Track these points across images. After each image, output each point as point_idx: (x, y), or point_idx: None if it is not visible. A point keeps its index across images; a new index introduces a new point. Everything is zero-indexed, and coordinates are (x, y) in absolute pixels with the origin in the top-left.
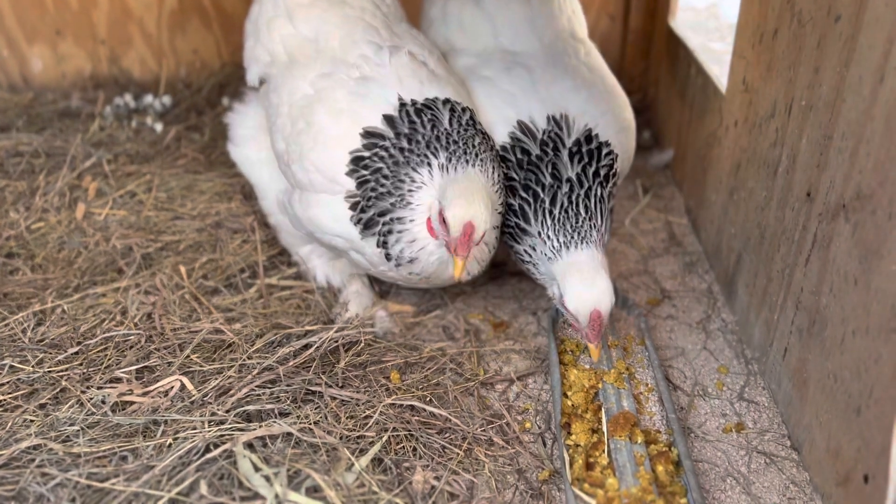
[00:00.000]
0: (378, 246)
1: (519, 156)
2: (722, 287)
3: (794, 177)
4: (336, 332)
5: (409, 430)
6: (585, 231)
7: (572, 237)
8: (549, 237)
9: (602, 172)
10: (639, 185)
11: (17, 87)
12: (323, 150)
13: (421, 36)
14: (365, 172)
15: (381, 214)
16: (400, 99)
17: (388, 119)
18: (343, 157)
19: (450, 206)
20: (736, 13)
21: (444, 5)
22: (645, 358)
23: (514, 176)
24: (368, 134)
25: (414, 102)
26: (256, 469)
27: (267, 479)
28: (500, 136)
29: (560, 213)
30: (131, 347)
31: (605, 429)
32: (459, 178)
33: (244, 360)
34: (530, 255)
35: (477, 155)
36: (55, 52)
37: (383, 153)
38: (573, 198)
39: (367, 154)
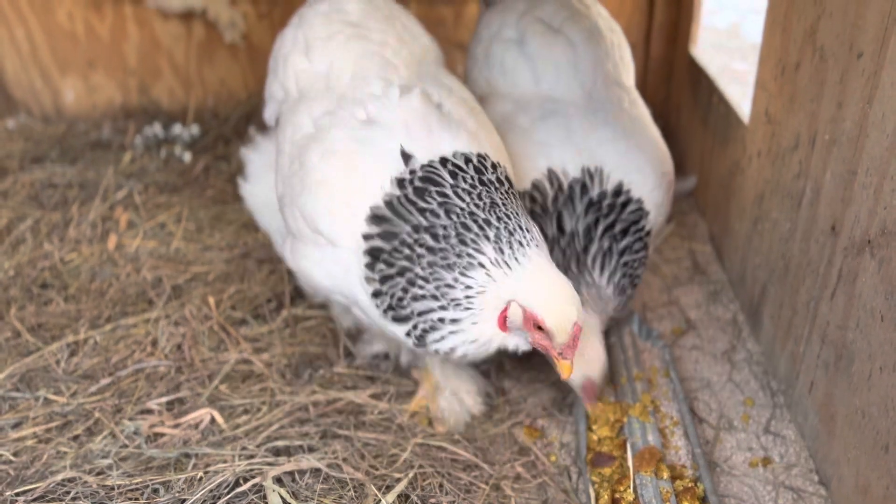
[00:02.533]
0: (408, 336)
1: (530, 203)
2: (747, 317)
3: (819, 210)
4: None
5: (436, 468)
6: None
7: None
8: None
9: (618, 227)
10: (660, 229)
11: (51, 117)
12: (309, 195)
13: (450, 79)
14: (388, 270)
15: (424, 313)
16: (402, 152)
17: (394, 206)
18: (333, 208)
19: (545, 311)
20: (759, 33)
21: (489, 46)
22: (670, 390)
23: None
24: (378, 219)
25: (413, 174)
26: (285, 503)
27: None
28: (526, 184)
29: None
30: (161, 378)
31: (630, 464)
32: (529, 272)
33: (275, 395)
34: None
35: (521, 226)
36: (87, 84)
37: (407, 251)
38: (568, 253)
39: (385, 247)
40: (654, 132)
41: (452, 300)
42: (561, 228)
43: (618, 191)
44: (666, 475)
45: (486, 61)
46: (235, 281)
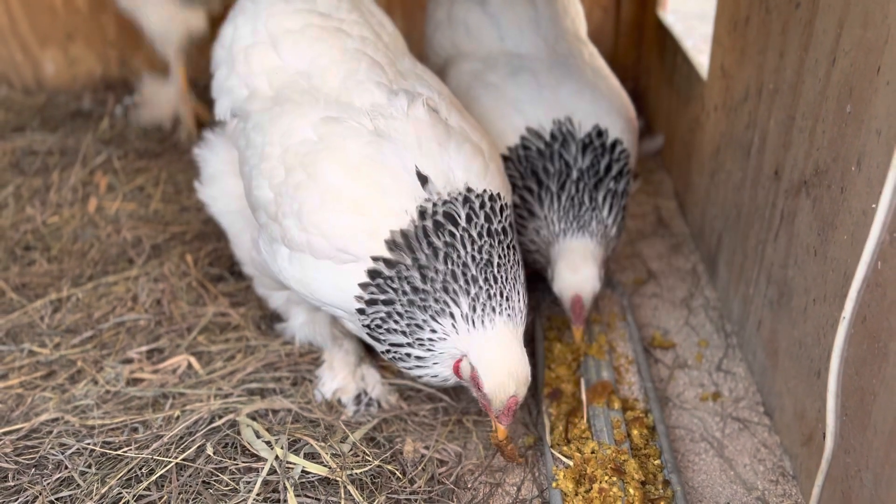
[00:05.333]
0: (383, 353)
1: (522, 153)
2: (705, 266)
3: (764, 157)
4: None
5: (402, 416)
6: (585, 221)
7: (571, 225)
8: (552, 221)
9: (615, 169)
10: (635, 166)
11: (31, 89)
12: (333, 214)
13: (427, 73)
14: (377, 295)
15: (395, 346)
16: (418, 174)
17: (410, 236)
18: (359, 228)
19: (486, 378)
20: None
21: (450, 9)
22: (627, 333)
23: (518, 172)
24: (394, 244)
25: (436, 207)
26: (258, 436)
27: (268, 444)
28: (509, 142)
29: (567, 200)
30: (141, 331)
31: (583, 396)
32: (489, 338)
33: (250, 342)
34: (535, 243)
35: (502, 293)
36: (66, 56)
37: (397, 283)
38: (580, 187)
39: (385, 272)
40: (615, 81)
41: (418, 339)
42: (567, 163)
43: (599, 132)
44: (617, 406)
45: (449, 23)
46: (212, 240)
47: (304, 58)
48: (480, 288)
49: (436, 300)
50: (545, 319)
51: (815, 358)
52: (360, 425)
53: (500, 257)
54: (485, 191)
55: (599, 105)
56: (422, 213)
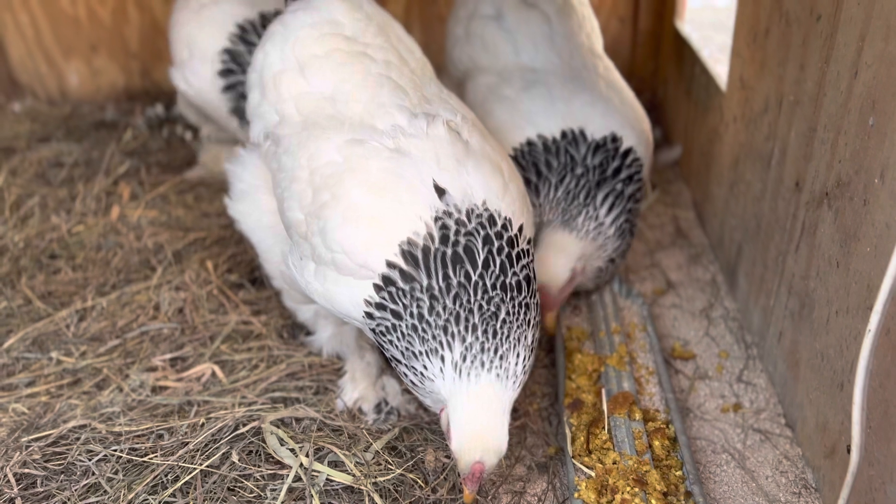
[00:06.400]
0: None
1: (527, 149)
2: (725, 277)
3: (785, 168)
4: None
5: (422, 425)
6: (572, 215)
7: (556, 218)
8: (544, 211)
9: (625, 173)
10: (648, 181)
11: (56, 100)
12: (354, 230)
13: (453, 98)
14: (387, 302)
15: (395, 360)
16: (435, 187)
17: (429, 254)
18: (376, 241)
19: (454, 434)
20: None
21: (468, 24)
22: (647, 343)
23: (520, 165)
24: (410, 256)
25: (458, 236)
26: (282, 443)
27: (293, 451)
28: (515, 143)
29: (562, 192)
30: (165, 339)
31: (604, 407)
32: (470, 393)
33: (273, 352)
34: None
35: (497, 350)
36: (90, 67)
37: (407, 301)
38: (581, 182)
39: (399, 282)
40: (630, 94)
41: (412, 367)
42: (572, 157)
43: (615, 138)
44: (638, 417)
45: (467, 39)
46: (231, 245)
47: (329, 82)
48: (477, 338)
49: (434, 337)
50: (565, 329)
51: (838, 370)
52: (383, 434)
53: (508, 313)
54: (505, 226)
55: (612, 117)
56: (444, 238)
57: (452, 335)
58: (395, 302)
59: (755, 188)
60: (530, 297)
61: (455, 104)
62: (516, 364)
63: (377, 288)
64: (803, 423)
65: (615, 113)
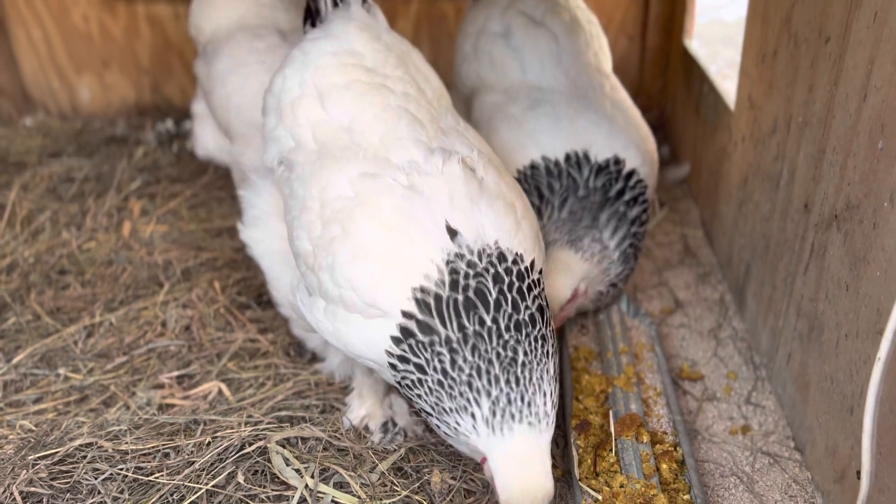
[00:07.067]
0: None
1: (530, 172)
2: (733, 296)
3: (794, 189)
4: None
5: (429, 446)
6: (578, 236)
7: (563, 237)
8: (548, 231)
9: (628, 195)
10: (655, 200)
11: (67, 115)
12: (363, 267)
13: (469, 130)
14: (409, 355)
15: (424, 412)
16: (448, 228)
17: (442, 303)
18: (385, 281)
19: (501, 491)
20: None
21: (476, 41)
22: (655, 363)
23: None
24: (423, 304)
25: (468, 280)
26: (288, 463)
27: (298, 472)
28: (519, 165)
29: (566, 214)
30: (172, 357)
31: (612, 429)
32: (507, 449)
33: (279, 370)
34: None
35: (523, 398)
36: (101, 82)
37: (429, 355)
38: (584, 204)
39: (418, 335)
40: (636, 113)
41: (445, 422)
42: (574, 180)
43: (617, 160)
44: (646, 439)
45: (475, 56)
46: (242, 268)
47: (347, 112)
48: (501, 390)
49: (461, 394)
50: (572, 349)
51: (848, 394)
52: (389, 455)
53: (525, 354)
54: (516, 261)
55: (617, 138)
56: (453, 284)
57: (478, 391)
58: (416, 355)
59: (764, 208)
60: (545, 327)
61: (471, 137)
62: (545, 404)
63: (396, 341)
64: (813, 446)
65: (620, 133)
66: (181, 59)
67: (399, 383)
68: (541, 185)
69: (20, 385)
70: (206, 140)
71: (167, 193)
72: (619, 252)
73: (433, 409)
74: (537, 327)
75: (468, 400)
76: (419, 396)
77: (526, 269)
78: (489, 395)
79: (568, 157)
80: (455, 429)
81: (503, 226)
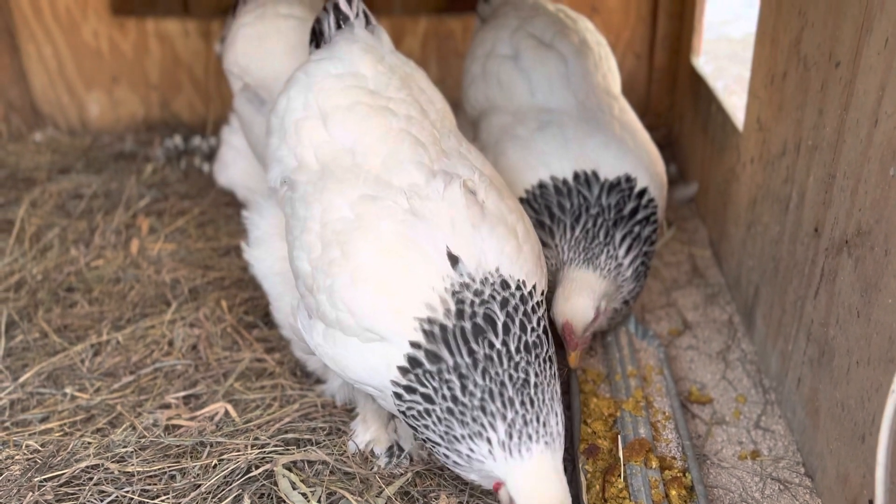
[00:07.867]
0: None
1: (538, 192)
2: (742, 318)
3: (803, 213)
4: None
5: (435, 470)
6: (594, 254)
7: (578, 256)
8: (562, 250)
9: (641, 215)
10: (664, 220)
11: (76, 131)
12: (362, 292)
13: (472, 152)
14: (416, 385)
15: (432, 443)
16: (449, 254)
17: (448, 332)
18: (385, 306)
19: None
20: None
21: (485, 63)
22: (664, 387)
23: (532, 209)
24: (429, 334)
25: (474, 308)
26: (294, 487)
27: (304, 496)
28: (527, 185)
29: (580, 232)
30: (179, 376)
31: (620, 454)
32: (527, 469)
33: (286, 391)
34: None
35: (538, 418)
36: (111, 98)
37: (437, 384)
38: (598, 222)
39: (426, 364)
40: (644, 135)
41: (456, 450)
42: (585, 198)
43: (629, 178)
44: (655, 465)
45: (483, 78)
46: (249, 288)
47: (350, 134)
48: (517, 413)
49: (473, 419)
50: (580, 372)
51: (859, 422)
52: (395, 479)
53: (536, 375)
54: (519, 287)
55: (626, 159)
56: (459, 313)
57: (493, 414)
58: (424, 385)
59: (773, 230)
60: (551, 349)
61: (473, 158)
62: (557, 424)
63: (403, 371)
64: (823, 473)
65: (629, 154)
66: (190, 75)
67: (404, 413)
68: (551, 205)
69: (27, 404)
70: (233, 173)
71: (175, 210)
72: (631, 269)
73: (443, 438)
74: (544, 349)
75: (482, 425)
76: (426, 427)
77: (529, 293)
78: (504, 418)
79: (577, 176)
80: (468, 456)
81: (504, 251)
